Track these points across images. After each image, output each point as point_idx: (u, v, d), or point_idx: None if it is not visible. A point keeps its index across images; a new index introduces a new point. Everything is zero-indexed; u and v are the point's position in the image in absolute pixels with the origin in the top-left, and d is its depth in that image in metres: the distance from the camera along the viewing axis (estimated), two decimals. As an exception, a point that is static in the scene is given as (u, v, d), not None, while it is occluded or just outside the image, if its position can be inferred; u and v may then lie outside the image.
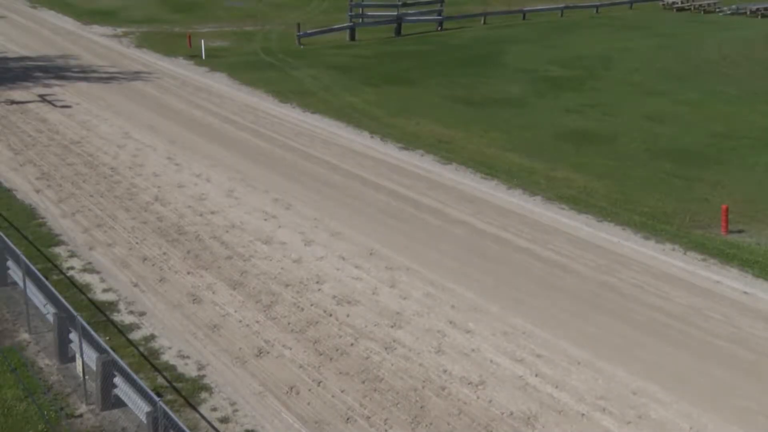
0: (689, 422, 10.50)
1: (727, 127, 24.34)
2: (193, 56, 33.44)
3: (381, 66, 32.94)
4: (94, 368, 10.53)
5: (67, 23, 41.90)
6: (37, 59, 32.59)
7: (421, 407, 10.75)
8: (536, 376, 11.44)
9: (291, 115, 25.16)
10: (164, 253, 15.20)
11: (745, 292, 13.88)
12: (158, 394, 9.84)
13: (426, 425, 10.40)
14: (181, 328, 12.67)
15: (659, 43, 38.23)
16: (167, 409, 8.99)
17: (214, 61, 32.73)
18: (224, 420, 10.48)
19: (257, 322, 12.82)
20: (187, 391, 11.02)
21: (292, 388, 11.13)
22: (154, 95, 27.19)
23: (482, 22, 44.89)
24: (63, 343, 11.62)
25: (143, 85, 28.56)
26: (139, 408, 9.83)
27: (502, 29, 42.99)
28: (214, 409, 10.69)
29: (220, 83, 29.16)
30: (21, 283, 12.68)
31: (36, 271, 12.20)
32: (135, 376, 9.83)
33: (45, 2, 47.86)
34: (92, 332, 10.52)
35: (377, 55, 35.24)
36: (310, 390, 11.11)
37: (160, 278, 14.25)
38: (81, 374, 10.90)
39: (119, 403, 10.50)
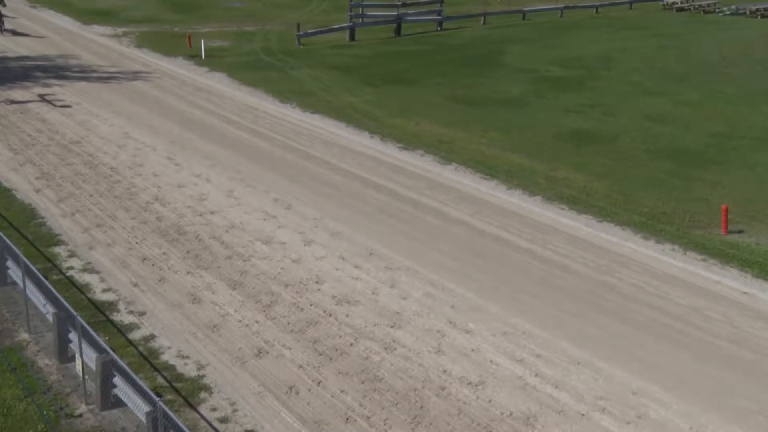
0: (689, 422, 10.50)
1: (727, 127, 24.34)
2: (193, 56, 33.44)
3: (381, 66, 32.94)
4: (94, 368, 10.52)
5: (67, 23, 41.89)
6: (37, 59, 32.57)
7: (421, 407, 10.75)
8: (536, 376, 11.44)
9: (291, 115, 25.16)
10: (164, 253, 15.20)
11: (745, 292, 13.88)
12: (158, 394, 9.84)
13: (426, 425, 10.40)
14: (180, 328, 12.67)
15: (659, 43, 38.23)
16: (167, 409, 8.99)
17: (213, 61, 32.74)
18: (224, 420, 10.48)
19: (257, 322, 12.82)
20: (186, 391, 11.02)
21: (291, 388, 11.13)
22: (154, 95, 27.19)
23: (482, 22, 44.89)
24: (62, 343, 11.62)
25: (143, 85, 28.56)
26: (139, 408, 9.83)
27: (502, 29, 42.99)
28: (214, 409, 10.69)
29: (219, 83, 29.16)
30: (20, 283, 12.67)
31: (36, 271, 12.20)
32: (134, 376, 9.82)
33: (45, 2, 47.84)
34: (92, 332, 10.52)
35: (377, 55, 35.25)
36: (309, 390, 11.11)
37: (159, 278, 14.25)
38: (80, 374, 10.90)
39: (119, 403, 10.50)
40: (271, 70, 31.40)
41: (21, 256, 12.47)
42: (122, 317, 12.97)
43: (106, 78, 29.45)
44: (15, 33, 37.51)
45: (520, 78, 30.78)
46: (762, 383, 11.35)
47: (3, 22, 37.49)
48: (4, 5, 37.85)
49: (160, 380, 11.27)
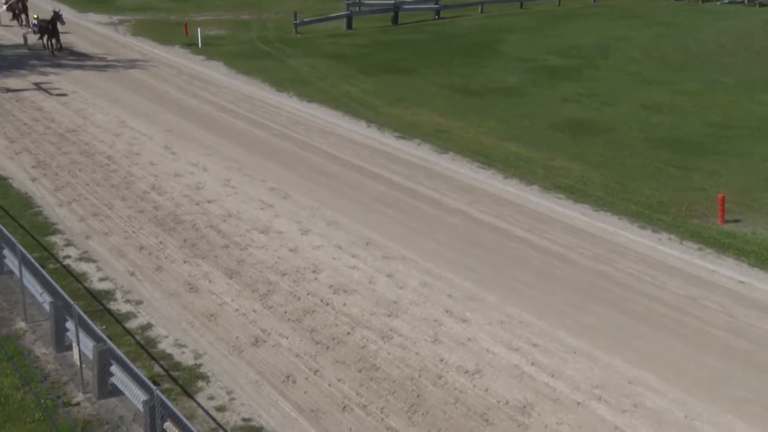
0: (685, 411, 10.54)
1: (724, 116, 24.33)
2: (190, 45, 33.32)
3: (378, 55, 32.85)
4: (91, 357, 10.53)
5: (63, 11, 41.62)
6: (33, 47, 32.43)
7: (418, 396, 10.78)
8: (532, 365, 11.47)
9: (288, 104, 25.10)
10: (161, 242, 15.19)
11: (741, 282, 13.91)
12: (155, 383, 9.84)
13: (422, 414, 10.43)
14: (177, 317, 12.67)
15: (657, 32, 38.15)
16: (164, 397, 9.01)
17: (210, 49, 32.62)
18: (221, 409, 10.51)
19: (254, 311, 12.83)
20: (183, 380, 11.04)
21: (288, 377, 11.15)
22: (151, 84, 27.10)
23: (479, 10, 44.76)
24: (59, 332, 11.62)
25: (139, 74, 28.46)
26: (136, 397, 9.85)
27: (500, 18, 42.88)
28: (211, 398, 10.71)
29: (216, 72, 29.07)
30: (17, 272, 12.67)
31: (32, 260, 12.19)
32: (132, 365, 9.83)
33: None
34: (89, 321, 10.52)
35: (374, 44, 35.14)
36: (306, 379, 11.13)
37: (156, 267, 14.25)
38: (78, 363, 10.91)
39: (116, 392, 10.51)
40: (268, 59, 31.30)
41: (18, 245, 12.45)
42: (119, 306, 12.97)
43: (103, 66, 29.32)
44: (72, 52, 31.77)
45: (517, 67, 30.72)
46: (758, 373, 11.38)
47: (60, 42, 31.52)
48: (62, 22, 31.36)
49: (157, 369, 11.28)
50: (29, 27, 33.13)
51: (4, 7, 35.16)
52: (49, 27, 31.01)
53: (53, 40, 31.29)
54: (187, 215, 16.41)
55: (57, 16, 31.06)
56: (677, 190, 18.17)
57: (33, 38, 32.14)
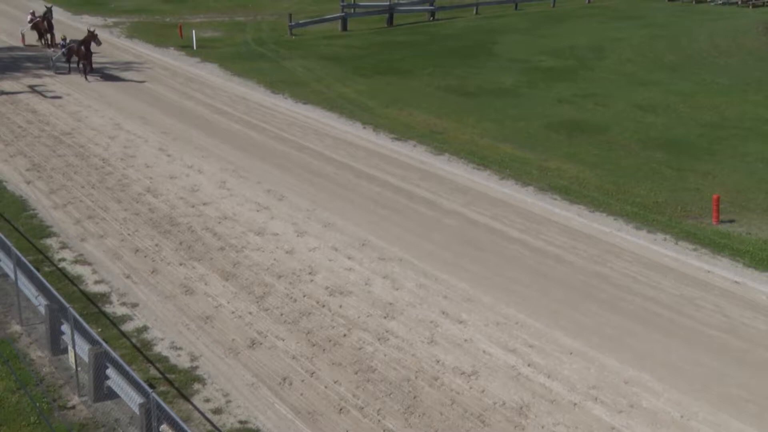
0: (680, 411, 10.57)
1: (718, 117, 24.38)
2: (185, 47, 33.29)
3: (373, 56, 32.86)
4: (87, 360, 10.51)
5: (56, 12, 41.55)
6: (27, 49, 32.36)
7: (414, 397, 10.78)
8: (529, 365, 11.48)
9: (283, 105, 25.09)
10: (156, 245, 15.17)
11: (736, 282, 13.94)
12: (151, 386, 9.84)
13: (419, 415, 10.44)
14: (173, 319, 12.66)
15: (651, 33, 38.22)
16: (160, 400, 9.00)
17: (205, 51, 32.59)
18: (217, 411, 10.49)
19: (250, 313, 12.82)
20: (180, 383, 11.03)
21: (285, 379, 11.15)
22: (146, 86, 27.06)
23: (474, 12, 44.80)
24: (55, 335, 11.60)
25: (134, 76, 28.41)
26: (132, 399, 9.83)
27: (494, 19, 42.93)
28: (207, 400, 10.70)
29: (211, 74, 29.04)
30: (12, 275, 12.63)
31: (27, 263, 12.17)
32: (127, 368, 9.82)
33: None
34: (84, 324, 10.50)
35: (369, 46, 35.15)
36: (303, 381, 11.13)
37: (152, 269, 14.23)
38: (73, 366, 10.88)
39: (112, 395, 10.49)
40: (263, 61, 31.29)
41: (12, 248, 12.43)
42: (115, 309, 12.95)
43: (97, 69, 29.25)
44: (104, 76, 28.11)
45: (512, 68, 30.75)
46: (752, 372, 11.41)
47: (92, 63, 27.98)
48: (98, 43, 27.82)
49: (153, 372, 11.26)
50: (56, 48, 30.18)
51: (29, 26, 32.52)
52: (81, 48, 27.39)
53: (84, 63, 27.69)
54: (182, 217, 16.39)
55: (92, 36, 27.30)
56: (672, 191, 18.20)
57: (61, 60, 28.89)
